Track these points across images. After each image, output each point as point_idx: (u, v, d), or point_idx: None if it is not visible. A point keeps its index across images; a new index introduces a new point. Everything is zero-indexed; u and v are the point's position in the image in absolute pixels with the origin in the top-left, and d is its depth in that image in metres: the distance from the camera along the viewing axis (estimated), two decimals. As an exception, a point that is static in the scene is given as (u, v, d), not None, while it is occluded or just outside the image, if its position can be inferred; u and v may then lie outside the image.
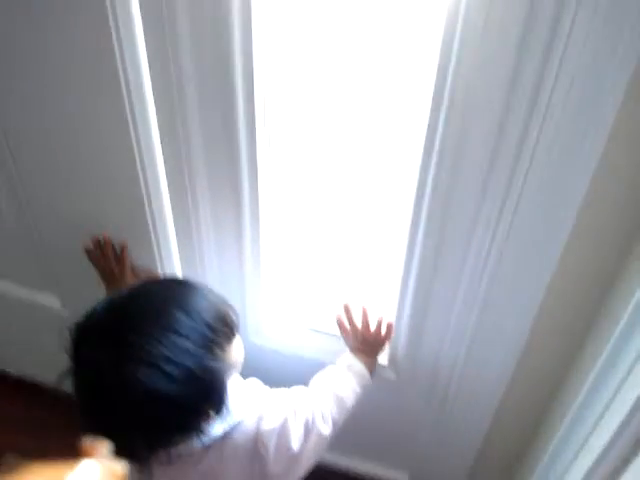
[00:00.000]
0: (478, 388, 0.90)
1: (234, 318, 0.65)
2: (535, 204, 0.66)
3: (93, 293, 0.87)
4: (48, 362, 1.18)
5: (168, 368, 0.55)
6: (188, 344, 0.57)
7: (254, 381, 0.74)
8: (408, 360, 0.91)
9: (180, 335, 0.56)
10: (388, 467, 1.17)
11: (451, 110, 0.61)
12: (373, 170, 0.84)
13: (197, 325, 0.58)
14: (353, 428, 0.80)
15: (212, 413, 0.61)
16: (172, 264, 0.93)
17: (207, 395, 0.59)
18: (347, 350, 0.87)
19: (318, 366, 0.85)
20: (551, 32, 0.53)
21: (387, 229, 0.89)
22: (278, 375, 0.79)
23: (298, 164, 0.86)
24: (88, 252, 0.90)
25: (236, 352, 0.65)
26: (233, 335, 0.64)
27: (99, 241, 0.89)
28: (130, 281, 0.88)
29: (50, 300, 1.12)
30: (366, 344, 0.87)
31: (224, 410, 0.61)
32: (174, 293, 0.61)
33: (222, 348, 0.61)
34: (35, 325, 1.15)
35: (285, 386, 0.76)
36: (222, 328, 0.61)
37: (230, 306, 0.66)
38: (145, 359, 0.54)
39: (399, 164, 0.80)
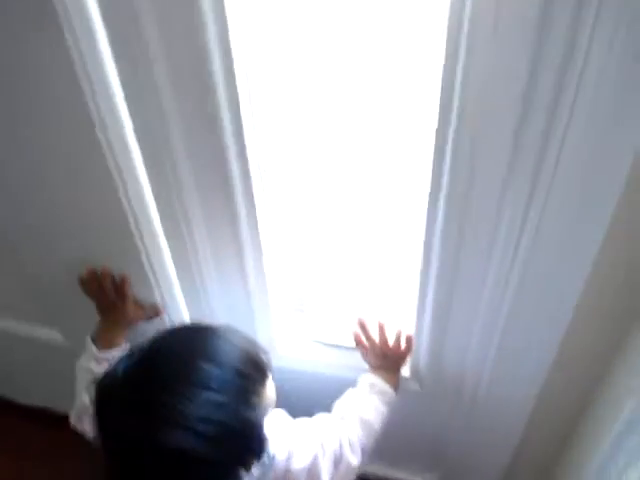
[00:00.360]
0: (510, 389, 0.85)
1: (264, 358, 0.60)
2: (567, 192, 0.59)
3: (94, 324, 0.84)
4: (58, 392, 1.16)
5: (203, 428, 0.51)
6: (221, 398, 0.53)
7: (279, 412, 0.71)
8: (432, 370, 0.87)
9: (212, 389, 0.52)
10: (419, 473, 1.13)
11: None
12: (382, 177, 0.79)
13: (228, 376, 0.54)
14: (383, 437, 0.77)
15: (254, 461, 0.57)
16: (174, 297, 0.88)
17: (247, 446, 0.56)
18: (367, 369, 0.83)
19: (336, 381, 0.81)
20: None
21: (401, 237, 0.84)
22: (297, 395, 0.75)
23: (298, 163, 0.81)
24: (83, 284, 0.85)
25: (270, 392, 0.62)
26: (266, 377, 0.60)
27: (95, 273, 0.84)
28: (132, 313, 0.84)
29: (52, 335, 1.09)
30: (386, 359, 0.82)
31: (264, 456, 0.58)
32: (199, 343, 0.57)
33: (257, 393, 0.57)
34: (41, 358, 1.14)
35: (305, 406, 0.72)
36: (254, 373, 0.57)
37: (259, 346, 0.62)
38: (180, 422, 0.50)
39: (410, 168, 0.75)
